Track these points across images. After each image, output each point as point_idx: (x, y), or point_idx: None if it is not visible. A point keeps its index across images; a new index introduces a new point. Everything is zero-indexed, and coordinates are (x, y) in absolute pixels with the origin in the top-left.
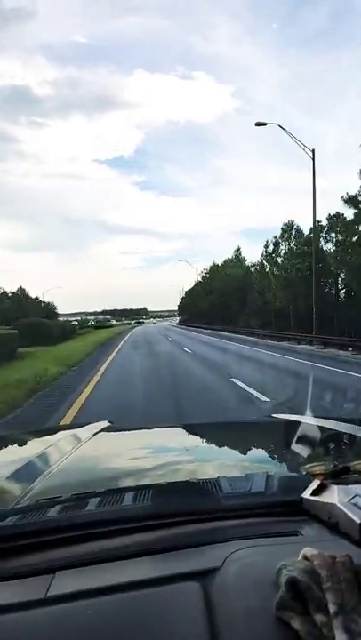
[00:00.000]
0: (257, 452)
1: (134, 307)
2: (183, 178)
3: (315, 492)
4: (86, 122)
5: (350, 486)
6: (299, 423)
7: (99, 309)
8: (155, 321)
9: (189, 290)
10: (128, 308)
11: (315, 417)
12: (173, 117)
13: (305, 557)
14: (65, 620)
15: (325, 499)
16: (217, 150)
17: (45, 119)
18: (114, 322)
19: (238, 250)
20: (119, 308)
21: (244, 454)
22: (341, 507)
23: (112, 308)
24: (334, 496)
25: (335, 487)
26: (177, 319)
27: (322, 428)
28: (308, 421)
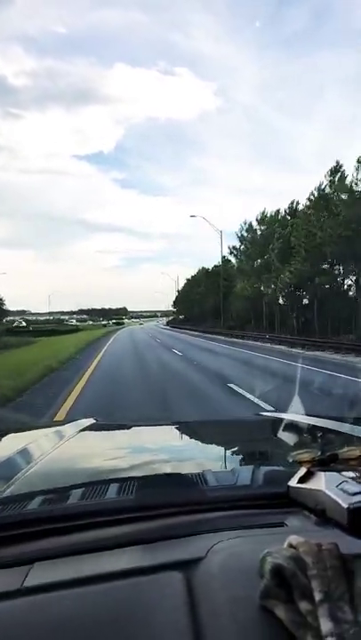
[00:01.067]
0: (244, 448)
1: (113, 306)
2: (163, 176)
3: (301, 480)
4: (65, 115)
5: (338, 473)
6: (286, 420)
7: (75, 309)
8: (141, 322)
9: (183, 290)
10: (107, 307)
11: (303, 415)
12: (154, 114)
13: (290, 545)
14: (40, 610)
15: (312, 486)
16: (197, 149)
17: (22, 111)
18: (74, 322)
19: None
20: (97, 307)
21: (231, 450)
22: (329, 492)
23: (89, 307)
24: (321, 483)
25: (322, 474)
26: (162, 320)
27: (309, 425)
28: (297, 419)
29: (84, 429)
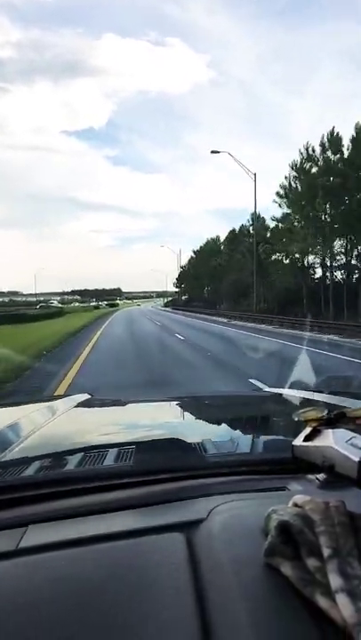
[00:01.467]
0: (244, 418)
1: (107, 287)
2: (156, 153)
3: (307, 439)
4: (53, 88)
5: (347, 430)
6: (286, 394)
7: (68, 290)
8: (138, 303)
9: (190, 264)
10: (100, 288)
11: (307, 391)
12: (145, 87)
13: (296, 505)
14: (35, 570)
15: (320, 443)
16: (190, 125)
17: (7, 84)
18: (56, 303)
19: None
20: (90, 288)
21: (232, 420)
22: (338, 448)
23: (82, 288)
24: (330, 439)
25: (330, 431)
26: (159, 301)
27: (309, 398)
28: (297, 394)
29: (80, 404)
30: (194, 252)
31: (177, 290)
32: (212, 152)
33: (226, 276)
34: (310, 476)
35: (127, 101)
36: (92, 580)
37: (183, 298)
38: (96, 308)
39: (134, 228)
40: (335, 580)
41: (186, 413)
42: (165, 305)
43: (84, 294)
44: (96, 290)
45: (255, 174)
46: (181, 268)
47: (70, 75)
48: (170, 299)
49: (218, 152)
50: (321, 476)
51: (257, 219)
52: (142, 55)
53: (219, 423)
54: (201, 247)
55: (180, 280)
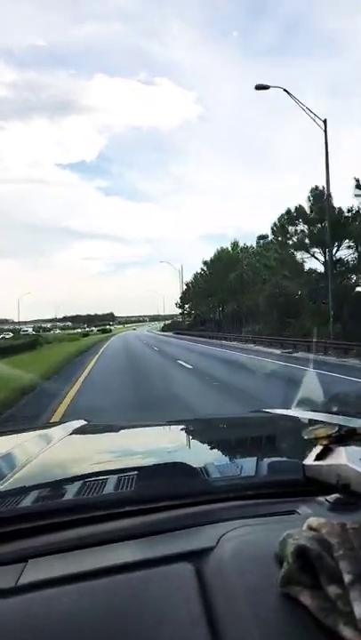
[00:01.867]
0: (248, 440)
1: (100, 312)
2: (147, 184)
3: (319, 458)
4: (48, 125)
5: (359, 447)
6: (290, 415)
7: (59, 316)
8: (134, 327)
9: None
10: (92, 313)
11: (308, 411)
12: (136, 123)
13: (310, 528)
14: (36, 608)
15: (332, 461)
16: (180, 157)
17: (4, 122)
18: (30, 330)
19: None
20: (82, 313)
21: (235, 443)
22: (353, 465)
23: (74, 314)
24: (342, 457)
25: (343, 449)
26: (155, 324)
27: (315, 419)
28: (301, 414)
29: (76, 430)
30: (204, 264)
31: (180, 311)
32: (258, 87)
33: (254, 289)
34: (320, 498)
35: (118, 136)
36: (97, 617)
37: (186, 321)
38: (85, 335)
39: (126, 254)
40: (360, 608)
41: (187, 437)
42: (163, 329)
43: (76, 320)
44: (88, 315)
45: (325, 120)
46: (186, 285)
47: (64, 112)
48: (168, 322)
49: (267, 87)
50: (331, 497)
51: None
52: (132, 93)
53: (222, 446)
54: (215, 256)
55: (184, 300)
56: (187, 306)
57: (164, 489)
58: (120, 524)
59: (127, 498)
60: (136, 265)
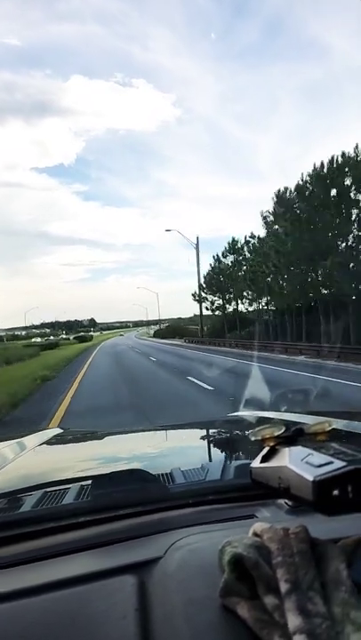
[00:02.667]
0: (216, 445)
1: (80, 318)
2: (126, 189)
3: (265, 460)
4: (23, 127)
5: (304, 447)
6: (262, 416)
7: (37, 323)
8: (122, 332)
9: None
10: (72, 319)
11: (281, 412)
12: (114, 125)
13: (255, 534)
14: None
15: (276, 463)
16: (159, 161)
17: None
18: None
19: None
20: (62, 320)
21: (202, 448)
22: (292, 467)
23: (53, 320)
24: (285, 458)
25: (287, 449)
26: (142, 330)
27: (289, 420)
28: (276, 416)
29: (49, 440)
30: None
31: (205, 308)
32: (166, 230)
33: None
34: (280, 501)
35: (96, 139)
36: (30, 637)
37: (206, 328)
38: (50, 347)
39: (107, 260)
40: (294, 620)
41: (157, 443)
42: (156, 334)
43: (56, 326)
44: (68, 321)
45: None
46: (215, 258)
47: (40, 114)
48: (154, 327)
49: (170, 230)
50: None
51: None
52: (110, 95)
53: (189, 451)
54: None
55: (212, 287)
56: (214, 298)
57: (120, 497)
58: (71, 535)
59: (81, 508)
60: (116, 271)
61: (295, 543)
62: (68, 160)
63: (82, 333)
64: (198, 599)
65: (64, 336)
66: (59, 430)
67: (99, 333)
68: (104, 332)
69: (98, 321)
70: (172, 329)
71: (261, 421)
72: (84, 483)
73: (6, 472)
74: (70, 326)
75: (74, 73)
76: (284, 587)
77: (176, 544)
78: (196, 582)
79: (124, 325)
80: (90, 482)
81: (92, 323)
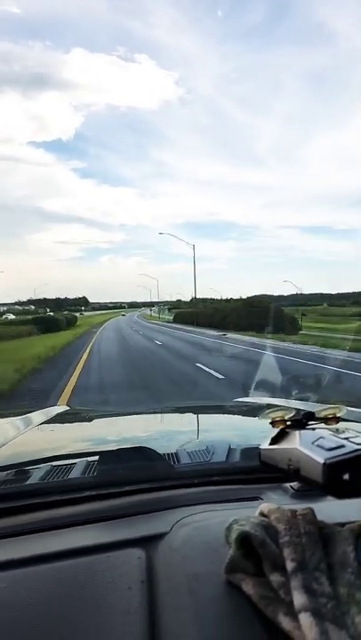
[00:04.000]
0: (222, 428)
1: (71, 296)
2: (124, 168)
3: (274, 442)
4: (21, 100)
5: (314, 431)
6: (267, 403)
7: (24, 299)
8: (123, 312)
9: None
10: (62, 297)
11: (291, 399)
12: (114, 102)
13: (262, 514)
14: None
15: (286, 445)
16: (159, 141)
17: None
18: None
19: None
20: (51, 297)
21: (210, 430)
22: (303, 449)
23: (41, 297)
24: (296, 441)
25: (297, 432)
26: (145, 310)
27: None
28: (280, 402)
29: (54, 417)
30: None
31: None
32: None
33: None
34: (286, 485)
35: (96, 115)
36: (33, 603)
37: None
38: None
39: (102, 240)
40: (299, 598)
41: (163, 424)
42: (175, 319)
43: (43, 304)
44: (58, 299)
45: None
46: None
47: (39, 87)
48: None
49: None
50: (296, 483)
51: None
52: (111, 70)
53: (196, 432)
54: None
55: None
56: None
57: (126, 473)
58: (77, 509)
59: (87, 483)
60: (111, 252)
61: (303, 524)
62: (66, 135)
63: (66, 312)
64: (203, 574)
65: (12, 317)
66: (65, 408)
67: (89, 314)
68: (97, 313)
69: (91, 300)
70: (188, 314)
71: (270, 407)
72: (90, 458)
73: (14, 446)
74: (60, 304)
75: (74, 45)
76: (290, 565)
77: (182, 521)
78: (200, 558)
79: (118, 306)
80: (97, 457)
81: (84, 301)
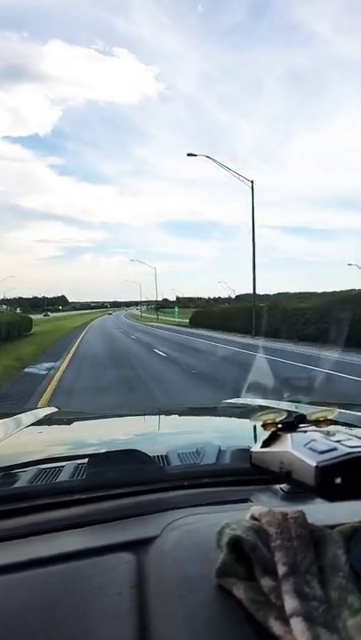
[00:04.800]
0: (212, 430)
1: (50, 295)
2: (104, 165)
3: (265, 445)
4: None
5: (306, 433)
6: (257, 404)
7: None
8: (110, 311)
9: None
10: (40, 296)
11: (283, 401)
12: (93, 96)
13: (253, 518)
14: None
15: (277, 448)
16: (139, 138)
17: None
18: None
19: None
20: (27, 296)
21: (201, 432)
22: (295, 452)
23: (16, 297)
24: (288, 444)
25: (289, 435)
26: (133, 310)
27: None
28: (269, 404)
29: (43, 418)
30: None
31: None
32: (189, 155)
33: None
34: (276, 487)
35: (74, 110)
36: (22, 609)
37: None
38: None
39: (82, 238)
40: (290, 602)
41: (153, 426)
42: (193, 321)
43: (16, 304)
44: (35, 298)
45: (252, 181)
46: None
47: (14, 79)
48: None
49: (195, 155)
50: (285, 486)
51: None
52: (90, 63)
53: (186, 435)
54: None
55: None
56: None
57: (115, 476)
58: (65, 512)
59: (77, 486)
60: (91, 250)
61: (294, 527)
62: (43, 130)
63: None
64: (193, 578)
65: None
66: (54, 409)
67: (64, 314)
68: (79, 313)
69: (71, 300)
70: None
71: (261, 408)
72: (79, 461)
73: (1, 448)
74: (37, 304)
75: (52, 37)
76: (281, 569)
77: (172, 524)
78: (191, 562)
79: (100, 305)
80: (86, 460)
81: (63, 300)
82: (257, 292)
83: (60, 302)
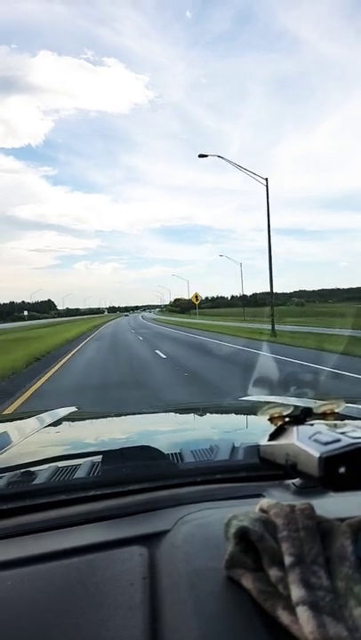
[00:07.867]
0: (226, 428)
1: (39, 299)
2: (97, 174)
3: (272, 438)
4: None
5: (313, 426)
6: (271, 401)
7: None
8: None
9: None
10: (27, 301)
11: (291, 397)
12: (84, 106)
13: (262, 510)
14: None
15: (283, 441)
16: (129, 146)
17: None
18: None
19: None
20: (17, 300)
21: (214, 429)
22: (300, 444)
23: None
24: (293, 436)
25: (295, 428)
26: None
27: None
28: (283, 401)
29: (64, 417)
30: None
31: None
32: (200, 156)
33: None
34: (288, 482)
35: (65, 121)
36: (36, 601)
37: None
38: None
39: (76, 247)
40: (297, 592)
41: (166, 423)
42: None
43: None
44: (23, 302)
45: (267, 179)
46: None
47: (5, 90)
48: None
49: (206, 155)
50: (297, 480)
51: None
52: (80, 74)
53: (199, 432)
54: None
55: None
56: None
57: (129, 472)
58: (81, 508)
59: (92, 482)
60: (86, 258)
61: (301, 519)
62: (35, 141)
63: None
64: (204, 570)
65: None
66: (73, 409)
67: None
68: (64, 320)
69: (60, 307)
70: None
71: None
72: (95, 458)
73: (21, 447)
74: (26, 309)
75: (42, 48)
76: (288, 560)
77: (184, 518)
78: (202, 554)
79: (95, 311)
80: (101, 457)
81: (49, 305)
82: (264, 290)
83: (45, 307)
